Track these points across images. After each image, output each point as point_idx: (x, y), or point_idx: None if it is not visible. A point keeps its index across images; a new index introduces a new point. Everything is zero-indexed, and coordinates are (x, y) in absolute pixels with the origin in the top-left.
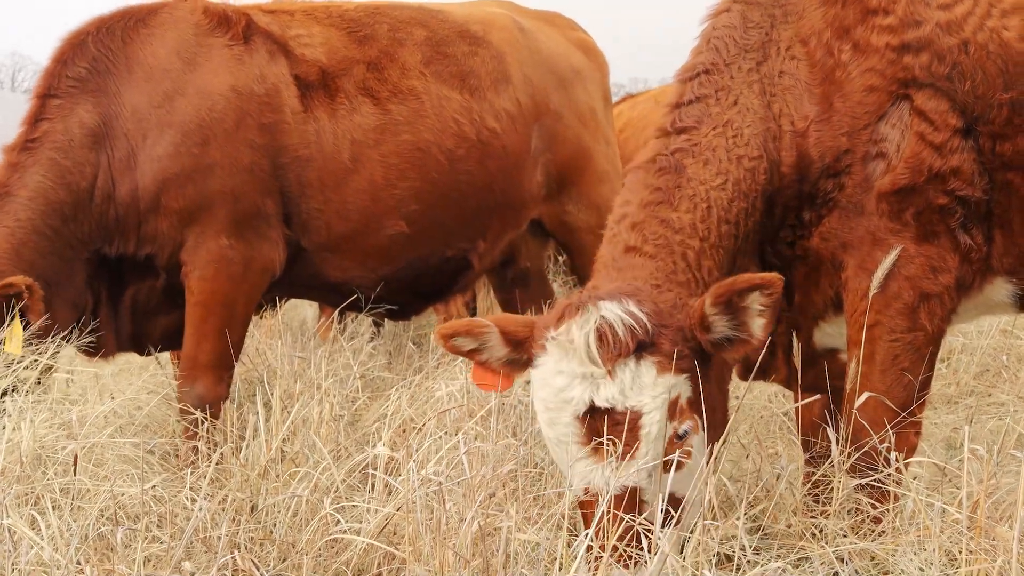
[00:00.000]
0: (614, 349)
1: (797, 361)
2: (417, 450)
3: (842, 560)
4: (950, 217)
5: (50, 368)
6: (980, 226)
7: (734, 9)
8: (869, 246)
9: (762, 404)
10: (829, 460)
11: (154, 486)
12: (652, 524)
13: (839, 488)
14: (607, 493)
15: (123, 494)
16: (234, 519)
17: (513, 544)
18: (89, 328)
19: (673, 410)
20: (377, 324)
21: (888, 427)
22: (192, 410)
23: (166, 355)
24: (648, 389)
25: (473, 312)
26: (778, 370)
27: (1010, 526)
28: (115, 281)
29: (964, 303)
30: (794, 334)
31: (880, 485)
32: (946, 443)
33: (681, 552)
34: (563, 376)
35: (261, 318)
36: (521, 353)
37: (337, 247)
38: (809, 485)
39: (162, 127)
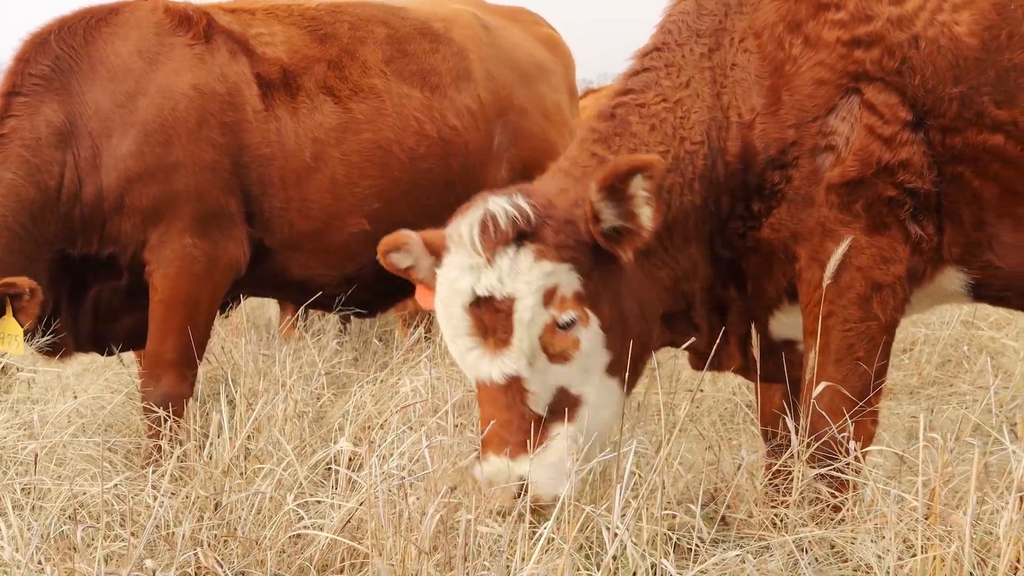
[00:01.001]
0: (494, 238)
1: (756, 352)
2: (380, 445)
3: (802, 549)
4: (900, 208)
5: (3, 368)
6: (931, 217)
7: None
8: (820, 237)
9: (725, 396)
10: (789, 450)
11: (116, 485)
12: (538, 412)
13: (799, 478)
14: (489, 381)
15: (84, 493)
16: (197, 516)
17: (475, 537)
18: (52, 329)
19: (551, 298)
20: (344, 321)
21: (846, 416)
22: (155, 408)
23: (130, 354)
24: (523, 275)
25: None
26: (733, 358)
27: (964, 512)
28: (77, 281)
29: (917, 293)
30: (752, 326)
31: (839, 474)
32: (907, 433)
33: (577, 458)
34: (454, 269)
35: (226, 316)
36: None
37: (300, 245)
38: (769, 475)
39: (125, 127)
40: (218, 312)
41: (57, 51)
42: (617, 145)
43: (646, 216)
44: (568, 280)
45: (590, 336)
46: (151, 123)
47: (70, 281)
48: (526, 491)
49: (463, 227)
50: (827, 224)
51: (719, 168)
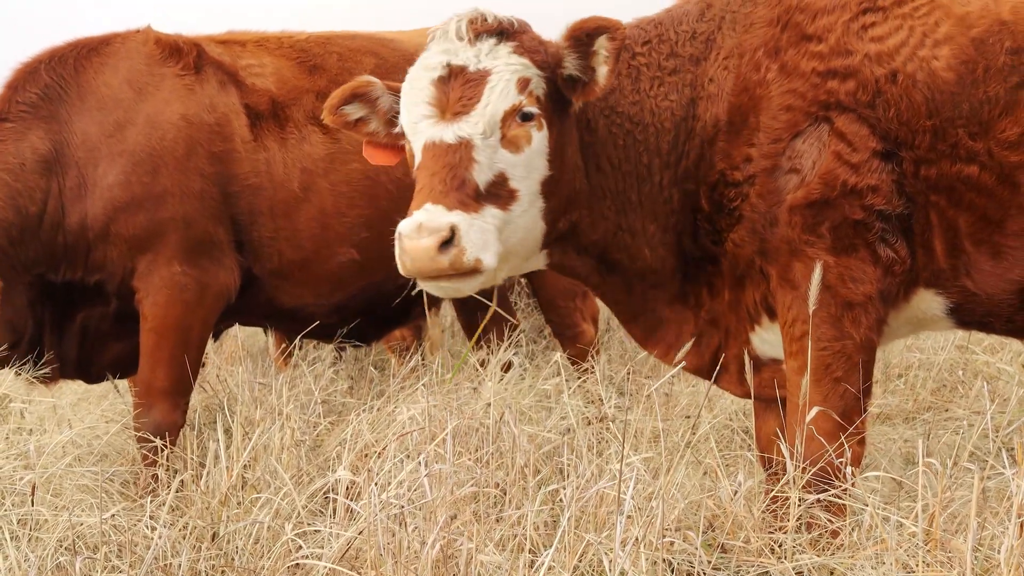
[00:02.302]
0: (480, 27)
1: (749, 378)
2: (378, 474)
3: (801, 575)
4: (867, 232)
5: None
6: (902, 240)
7: (692, 1)
8: (787, 257)
9: (722, 422)
10: (785, 475)
11: (113, 515)
12: (477, 183)
13: (795, 503)
14: (439, 141)
15: (82, 523)
16: (195, 547)
17: (475, 566)
18: (36, 354)
19: (523, 87)
20: (339, 349)
21: (841, 439)
22: (150, 437)
23: (125, 383)
24: (503, 58)
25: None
26: (691, 356)
27: (964, 538)
28: (62, 307)
29: (895, 316)
30: (745, 352)
31: (835, 499)
32: (904, 458)
33: (484, 246)
34: (431, 54)
35: (218, 343)
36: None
37: (289, 274)
38: (767, 500)
39: (113, 156)
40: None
41: (47, 80)
42: None
43: (602, 73)
44: (537, 83)
45: (540, 140)
46: (139, 152)
47: (54, 306)
48: (452, 244)
49: (450, 21)
50: (793, 244)
51: (680, 166)
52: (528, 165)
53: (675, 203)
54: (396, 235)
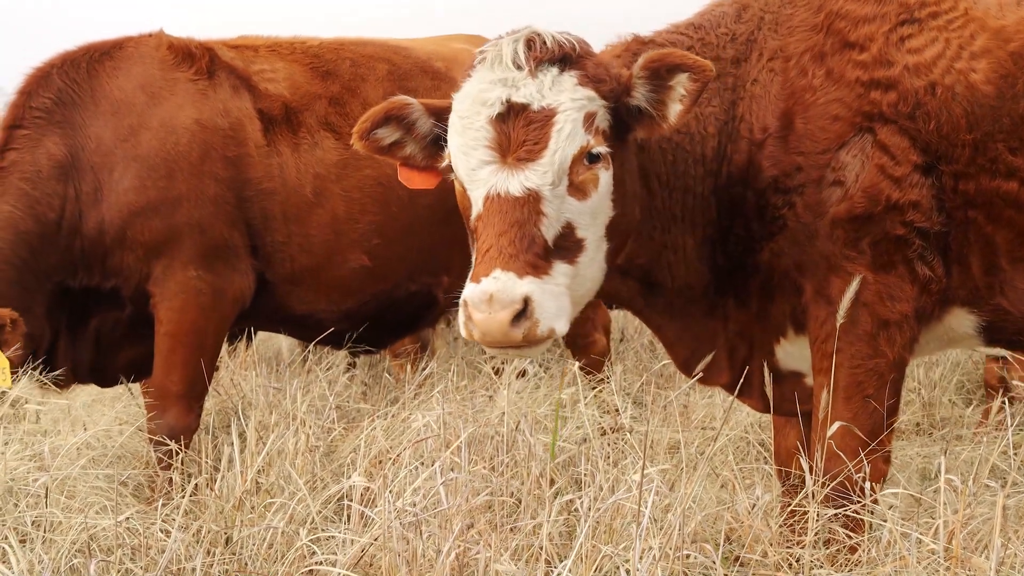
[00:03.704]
0: (540, 53)
1: (769, 391)
2: (393, 481)
3: None
4: (907, 248)
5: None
6: (939, 258)
7: (727, 2)
8: (825, 271)
9: (739, 435)
10: (804, 490)
11: (128, 518)
12: (547, 239)
13: (814, 518)
14: (504, 194)
15: (96, 526)
16: (209, 551)
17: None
18: (50, 358)
19: (589, 124)
20: (353, 355)
21: (861, 455)
22: (166, 441)
23: (137, 385)
24: (568, 92)
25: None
26: (722, 372)
27: (986, 556)
28: (78, 312)
29: (926, 334)
30: (762, 359)
31: (855, 515)
32: (920, 473)
33: (558, 314)
34: (483, 82)
35: (233, 349)
36: (445, 125)
37: (301, 280)
38: (785, 515)
39: (127, 161)
40: (226, 344)
41: (60, 84)
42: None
43: (675, 111)
44: (602, 116)
45: (606, 181)
46: (154, 157)
47: (70, 311)
48: (524, 316)
49: (504, 44)
50: (832, 259)
51: (723, 171)
52: (595, 211)
53: (712, 212)
54: (462, 302)
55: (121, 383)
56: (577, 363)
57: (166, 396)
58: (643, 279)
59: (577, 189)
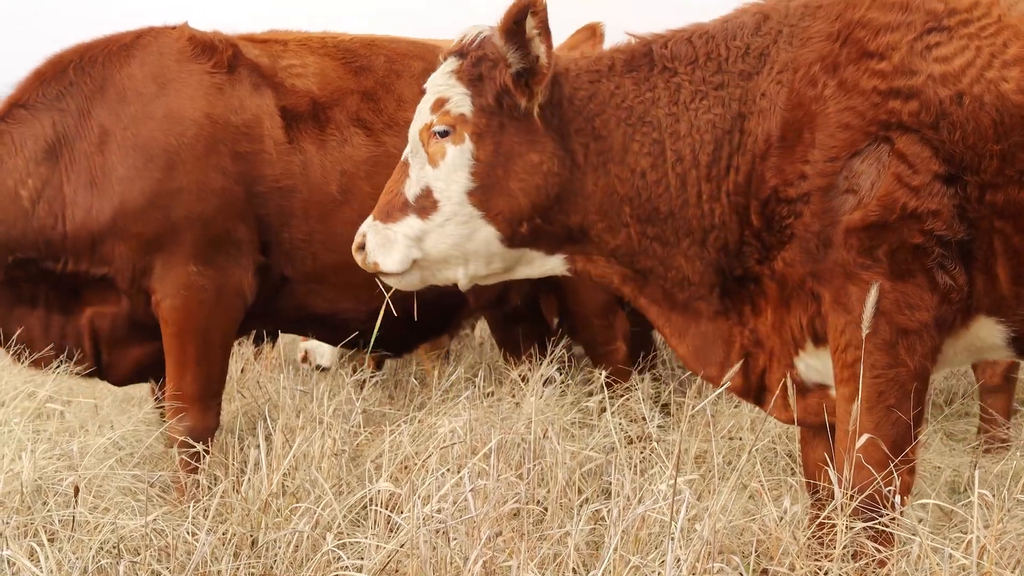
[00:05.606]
0: (456, 46)
1: (793, 404)
2: (420, 486)
3: None
4: (926, 257)
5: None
6: (961, 267)
7: (751, 12)
8: (842, 280)
9: (766, 445)
10: (832, 502)
11: (155, 519)
12: (406, 196)
13: (842, 531)
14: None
15: (124, 527)
16: (235, 554)
17: None
18: (75, 359)
19: (438, 107)
20: (378, 360)
21: (890, 467)
22: (192, 443)
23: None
24: (437, 78)
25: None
26: (736, 376)
27: (1020, 573)
28: (64, 296)
29: (952, 344)
30: (788, 377)
31: (883, 528)
32: (949, 486)
33: (384, 252)
34: None
35: (259, 352)
36: None
37: (324, 278)
38: (813, 527)
39: (125, 149)
40: (252, 347)
41: (72, 78)
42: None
43: (542, 51)
44: (460, 101)
45: (456, 154)
46: (154, 147)
47: (55, 294)
48: (364, 249)
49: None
50: (848, 267)
51: (728, 181)
52: (447, 177)
53: (715, 218)
54: None
55: (130, 383)
56: (604, 372)
57: (183, 399)
58: (630, 264)
59: (430, 158)
